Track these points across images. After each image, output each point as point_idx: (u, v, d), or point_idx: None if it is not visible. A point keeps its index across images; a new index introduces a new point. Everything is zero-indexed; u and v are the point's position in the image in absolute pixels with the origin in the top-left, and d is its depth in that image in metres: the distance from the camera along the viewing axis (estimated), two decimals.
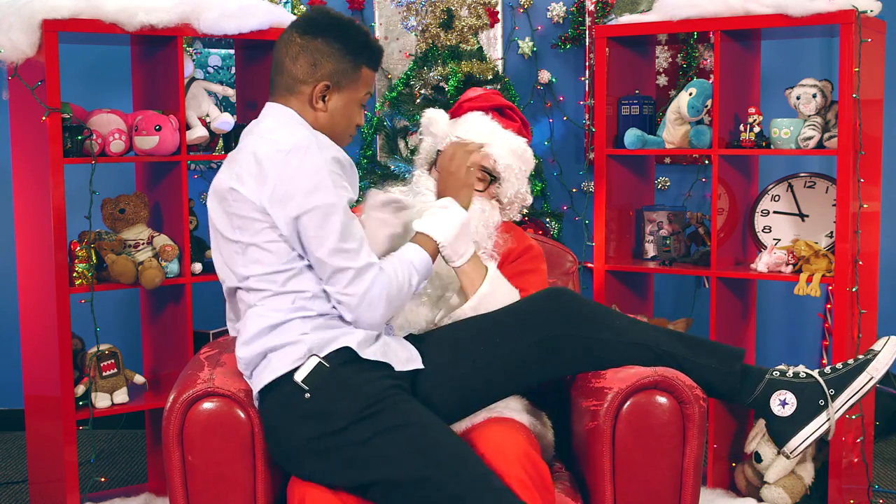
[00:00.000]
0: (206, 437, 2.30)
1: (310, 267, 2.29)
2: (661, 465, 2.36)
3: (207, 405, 2.31)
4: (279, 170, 2.23)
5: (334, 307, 2.29)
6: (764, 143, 3.42)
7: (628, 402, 2.36)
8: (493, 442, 2.31)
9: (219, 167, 4.36)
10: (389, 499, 2.20)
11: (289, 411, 2.24)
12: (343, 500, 2.24)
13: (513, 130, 2.76)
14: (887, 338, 2.47)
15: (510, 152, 2.72)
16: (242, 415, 2.32)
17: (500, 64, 4.33)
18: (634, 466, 2.36)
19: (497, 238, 2.71)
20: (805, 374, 2.42)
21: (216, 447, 2.30)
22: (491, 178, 2.71)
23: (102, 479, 3.60)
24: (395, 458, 2.18)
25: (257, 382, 2.30)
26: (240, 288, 2.34)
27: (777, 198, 3.59)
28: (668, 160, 4.37)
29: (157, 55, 3.37)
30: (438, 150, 2.74)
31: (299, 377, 2.22)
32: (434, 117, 2.76)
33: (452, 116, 2.81)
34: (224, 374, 2.39)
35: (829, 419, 2.38)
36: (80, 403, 3.25)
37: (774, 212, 3.59)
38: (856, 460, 3.40)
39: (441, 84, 3.85)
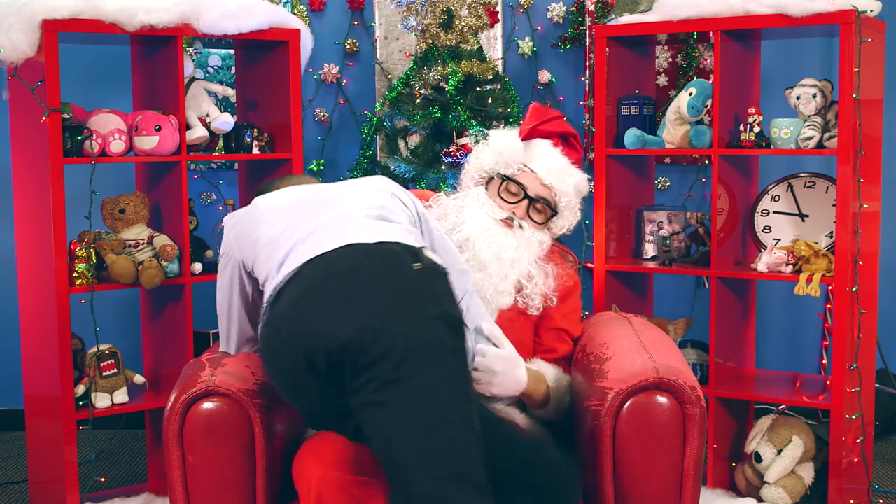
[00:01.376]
0: (207, 436, 2.30)
1: None
2: (661, 465, 2.36)
3: (208, 405, 2.31)
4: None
5: None
6: (764, 143, 3.41)
7: (629, 402, 2.36)
8: None
9: (219, 167, 4.39)
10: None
11: None
12: (350, 483, 2.23)
13: (576, 162, 2.86)
14: None
15: (574, 189, 2.82)
16: (243, 415, 2.32)
17: (500, 64, 4.33)
18: (635, 466, 2.36)
19: (544, 267, 2.78)
20: None
21: (216, 447, 2.30)
22: (552, 212, 2.79)
23: (102, 479, 3.60)
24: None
25: None
26: None
27: (777, 198, 3.59)
28: (668, 160, 4.37)
29: (157, 55, 3.37)
30: (502, 175, 2.78)
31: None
32: (508, 141, 2.80)
33: (524, 138, 2.84)
34: (225, 374, 2.39)
35: None
36: (80, 403, 3.25)
37: (774, 212, 3.59)
38: (856, 460, 3.41)
39: (441, 84, 3.85)
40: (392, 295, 2.17)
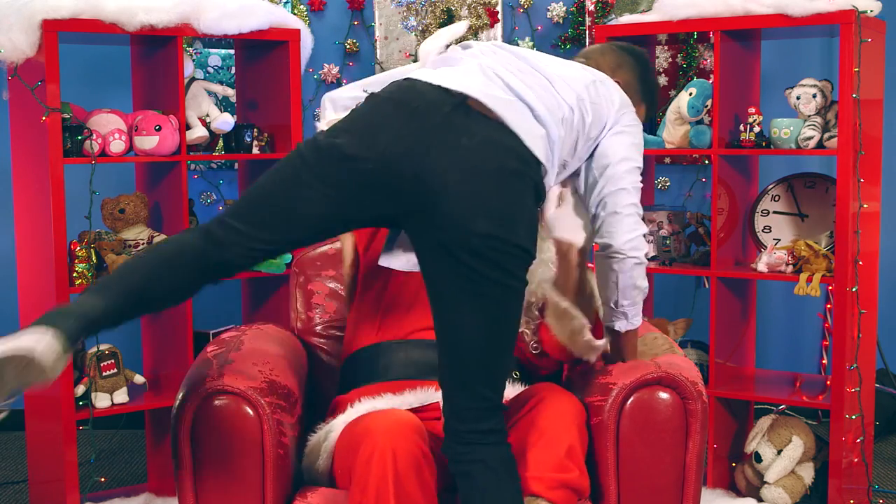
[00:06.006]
0: (216, 434, 2.30)
1: None
2: (664, 459, 2.37)
3: (217, 402, 2.31)
4: None
5: None
6: (764, 143, 3.42)
7: (632, 398, 2.37)
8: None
9: (219, 167, 4.39)
10: None
11: None
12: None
13: None
14: None
15: None
16: (252, 412, 2.32)
17: None
18: (638, 461, 2.37)
19: None
20: None
21: (226, 444, 2.30)
22: None
23: (102, 479, 3.60)
24: None
25: None
26: None
27: (777, 198, 3.59)
28: (668, 160, 4.37)
29: (157, 55, 3.37)
30: None
31: None
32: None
33: None
34: (233, 371, 2.39)
35: None
36: (80, 403, 3.25)
37: (774, 212, 3.59)
38: (856, 460, 3.41)
39: None
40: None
